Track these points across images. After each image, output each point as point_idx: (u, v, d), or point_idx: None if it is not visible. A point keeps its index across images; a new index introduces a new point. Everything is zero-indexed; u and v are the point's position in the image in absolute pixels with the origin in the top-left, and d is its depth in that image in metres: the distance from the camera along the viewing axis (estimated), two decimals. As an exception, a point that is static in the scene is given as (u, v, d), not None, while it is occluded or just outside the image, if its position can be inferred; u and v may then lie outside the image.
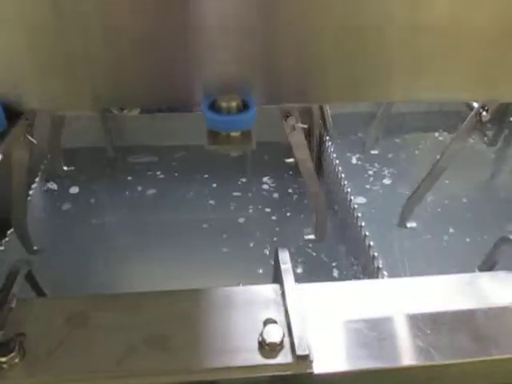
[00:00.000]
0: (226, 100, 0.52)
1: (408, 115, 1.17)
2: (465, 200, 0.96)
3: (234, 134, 0.53)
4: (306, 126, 0.60)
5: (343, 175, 0.90)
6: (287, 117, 0.58)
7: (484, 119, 0.64)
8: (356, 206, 0.81)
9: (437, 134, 1.16)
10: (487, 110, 0.64)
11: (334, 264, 0.83)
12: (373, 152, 1.11)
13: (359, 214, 0.79)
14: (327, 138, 1.02)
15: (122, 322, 0.48)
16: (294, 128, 0.59)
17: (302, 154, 0.63)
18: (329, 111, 1.04)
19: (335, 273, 0.82)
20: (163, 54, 0.50)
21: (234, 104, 0.52)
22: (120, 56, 0.50)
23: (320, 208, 0.71)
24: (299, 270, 0.82)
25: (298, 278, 0.52)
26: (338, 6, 0.49)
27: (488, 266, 0.65)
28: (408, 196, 0.79)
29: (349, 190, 0.86)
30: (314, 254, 0.85)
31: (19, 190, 0.67)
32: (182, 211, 0.98)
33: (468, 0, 0.50)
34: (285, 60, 0.52)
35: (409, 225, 0.83)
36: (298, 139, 0.61)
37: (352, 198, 0.84)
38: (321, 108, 1.04)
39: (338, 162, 0.94)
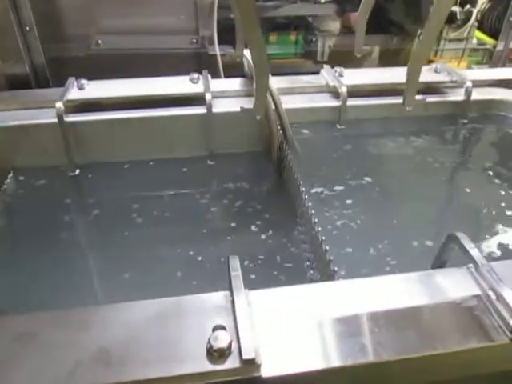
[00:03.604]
0: None
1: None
2: (423, 200, 0.98)
3: None
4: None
5: (302, 184, 0.91)
6: None
7: None
8: (313, 212, 0.83)
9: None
10: None
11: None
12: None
13: (316, 220, 0.81)
14: (286, 147, 1.04)
15: (70, 338, 0.48)
16: None
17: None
18: (287, 120, 1.05)
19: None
20: None
21: None
22: None
23: (261, 76, 0.70)
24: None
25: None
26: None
27: (438, 264, 0.67)
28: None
29: (306, 196, 0.87)
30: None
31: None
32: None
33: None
34: None
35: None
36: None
37: (310, 204, 0.85)
38: (280, 118, 1.05)
39: (296, 169, 0.95)
